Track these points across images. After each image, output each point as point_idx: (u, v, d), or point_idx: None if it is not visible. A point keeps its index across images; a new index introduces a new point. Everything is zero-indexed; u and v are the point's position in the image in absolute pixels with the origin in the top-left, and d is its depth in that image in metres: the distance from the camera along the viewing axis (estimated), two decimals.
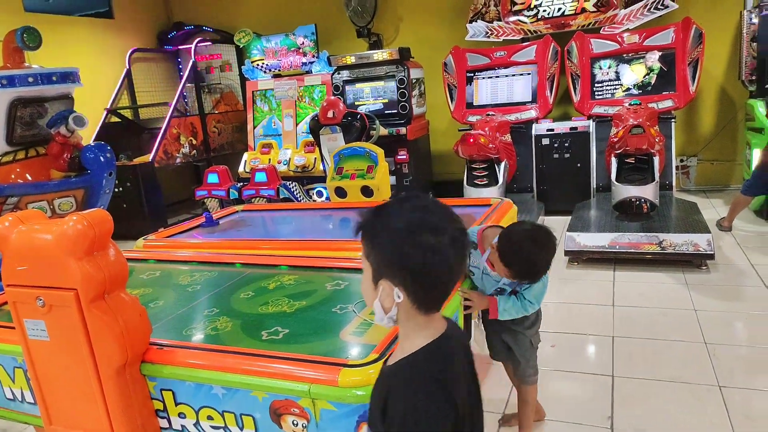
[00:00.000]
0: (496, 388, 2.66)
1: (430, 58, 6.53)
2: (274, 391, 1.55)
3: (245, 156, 7.07)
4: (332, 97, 5.61)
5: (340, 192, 3.55)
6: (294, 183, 6.16)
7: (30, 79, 4.01)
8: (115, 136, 6.85)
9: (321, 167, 6.47)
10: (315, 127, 5.44)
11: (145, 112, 7.75)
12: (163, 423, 1.77)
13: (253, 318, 2.04)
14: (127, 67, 7.49)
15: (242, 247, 2.79)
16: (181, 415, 1.73)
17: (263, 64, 7.15)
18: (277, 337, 1.85)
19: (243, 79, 7.98)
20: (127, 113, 7.45)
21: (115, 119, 7.25)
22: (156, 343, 1.78)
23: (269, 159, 6.85)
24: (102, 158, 4.08)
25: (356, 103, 6.39)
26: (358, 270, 2.34)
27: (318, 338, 1.83)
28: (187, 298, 2.30)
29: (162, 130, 6.67)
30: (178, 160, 7.03)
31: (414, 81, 6.21)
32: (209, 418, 1.68)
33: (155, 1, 8.12)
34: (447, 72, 6.29)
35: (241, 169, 6.94)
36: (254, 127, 7.23)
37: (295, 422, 1.55)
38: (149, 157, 6.54)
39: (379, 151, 3.51)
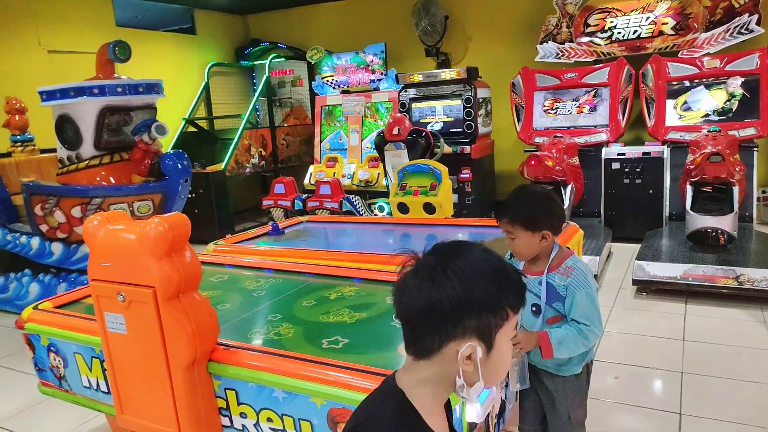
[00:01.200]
0: None
1: (498, 78, 6.51)
2: (333, 399, 1.58)
3: (311, 168, 7.25)
4: (398, 114, 5.68)
5: (403, 207, 3.58)
6: (357, 197, 6.25)
7: (119, 89, 4.30)
8: (192, 145, 7.22)
9: (384, 182, 6.54)
10: (380, 143, 5.52)
11: (219, 123, 8.12)
12: (225, 421, 1.84)
13: (314, 326, 2.09)
14: (206, 80, 7.88)
15: (306, 256, 2.86)
16: (243, 415, 1.78)
17: (333, 80, 7.34)
18: (337, 347, 1.88)
19: (312, 94, 8.22)
20: (204, 123, 7.82)
21: (192, 129, 7.63)
22: (223, 343, 1.85)
23: (334, 172, 6.99)
24: (179, 165, 4.30)
25: (422, 120, 6.43)
26: None
27: (377, 350, 1.85)
28: (252, 303, 2.38)
29: (234, 141, 6.95)
30: (248, 170, 7.30)
31: (481, 100, 6.20)
32: (269, 420, 1.72)
33: (234, 19, 8.53)
34: (515, 92, 6.24)
35: (306, 180, 7.12)
36: (321, 141, 7.41)
37: None
38: (221, 166, 6.83)
39: (443, 169, 3.53)
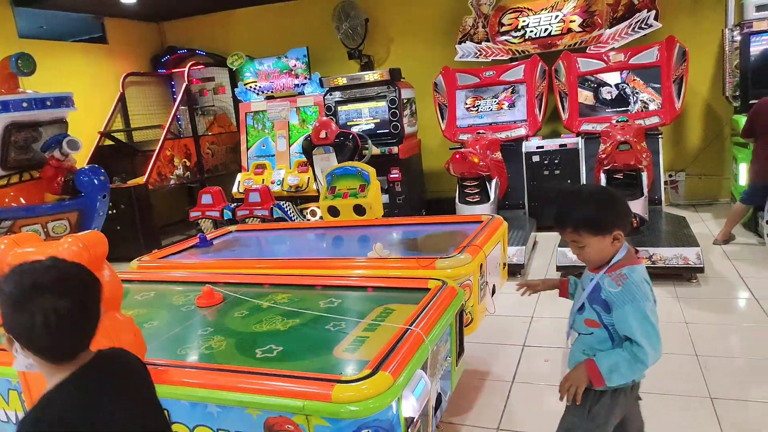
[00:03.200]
0: (490, 398, 2.67)
1: (421, 78, 6.64)
2: (269, 408, 1.56)
3: (239, 177, 7.11)
4: (324, 118, 5.68)
5: (333, 211, 3.59)
6: (287, 203, 6.20)
7: (24, 104, 4.06)
8: (109, 159, 6.89)
9: (314, 187, 6.52)
10: (308, 148, 5.50)
11: (138, 134, 7.80)
12: None
13: (247, 336, 2.06)
14: (121, 90, 7.55)
15: (235, 266, 2.81)
16: None
17: (256, 86, 7.23)
18: (271, 355, 1.87)
19: (236, 101, 8.06)
20: (121, 136, 7.50)
21: (108, 142, 7.29)
22: (151, 363, 1.79)
23: (263, 179, 6.88)
24: (96, 181, 4.11)
25: (348, 123, 6.46)
26: (351, 287, 2.37)
27: (312, 355, 1.85)
28: (181, 318, 2.31)
29: (155, 152, 6.70)
30: (172, 182, 7.06)
31: (405, 101, 6.30)
32: None
33: (148, 26, 8.23)
34: (437, 92, 6.38)
35: (234, 189, 6.97)
36: (248, 148, 7.28)
37: None
38: (143, 179, 6.56)
39: (371, 170, 3.56)
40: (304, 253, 3.09)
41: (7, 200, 4.12)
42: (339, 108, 6.50)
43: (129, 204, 6.36)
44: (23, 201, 4.16)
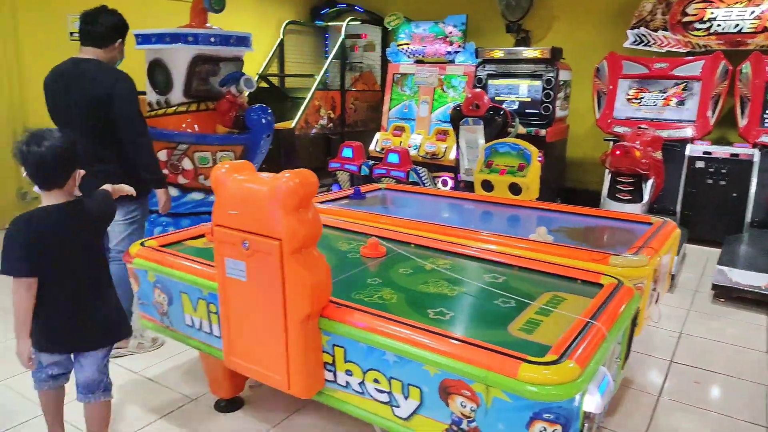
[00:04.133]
0: (634, 407, 2.55)
1: (580, 62, 6.29)
2: (449, 370, 1.59)
3: (377, 135, 7.24)
4: (477, 90, 5.57)
5: (487, 185, 3.54)
6: (423, 168, 6.23)
7: (212, 39, 4.35)
8: (262, 101, 7.27)
9: (450, 156, 6.50)
10: (456, 117, 5.45)
11: (289, 81, 8.16)
12: (329, 376, 1.89)
13: (416, 295, 2.11)
14: (281, 37, 7.90)
15: (396, 224, 2.87)
16: (348, 372, 1.83)
17: (408, 48, 7.24)
18: (444, 318, 1.90)
19: (384, 61, 8.15)
20: (275, 80, 7.88)
21: (263, 84, 7.70)
22: (334, 301, 1.89)
23: (400, 141, 6.97)
24: (264, 120, 4.36)
25: (497, 98, 6.30)
26: (513, 266, 2.33)
27: (485, 327, 1.86)
28: (348, 265, 2.41)
29: (307, 100, 6.98)
30: (314, 131, 7.34)
31: (561, 83, 6.02)
32: (375, 381, 1.76)
33: None
34: (598, 78, 6.03)
35: (372, 147, 7.12)
36: (389, 109, 7.37)
37: (463, 404, 1.59)
38: (291, 123, 6.88)
39: (534, 150, 3.46)
40: (461, 222, 3.09)
41: (184, 125, 4.49)
42: (490, 81, 6.36)
43: (276, 145, 6.69)
44: (197, 128, 4.52)
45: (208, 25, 4.61)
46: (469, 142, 5.42)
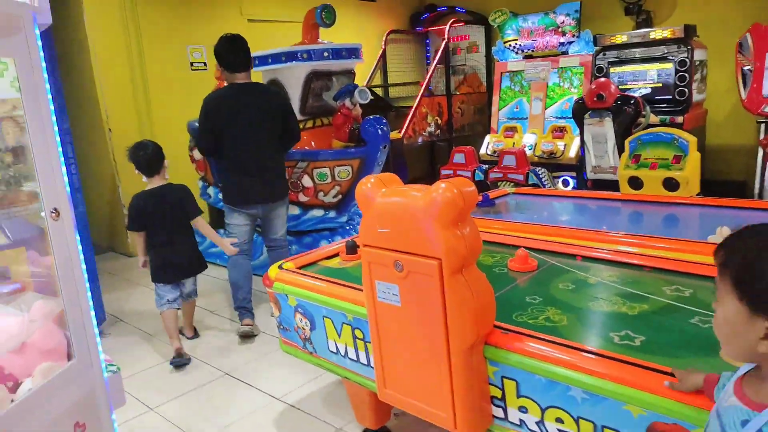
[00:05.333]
0: None
1: (714, 39, 5.61)
2: (661, 411, 1.31)
3: (487, 138, 6.94)
4: (602, 79, 5.12)
5: (635, 183, 3.16)
6: (543, 169, 5.85)
7: (325, 54, 4.34)
8: (365, 113, 7.27)
9: (570, 154, 6.05)
10: (579, 111, 5.04)
11: (393, 90, 8.10)
12: (498, 412, 1.66)
13: (588, 314, 1.83)
14: (383, 47, 7.86)
15: (539, 232, 2.60)
16: (522, 409, 1.59)
17: (516, 44, 6.89)
18: (633, 343, 1.61)
19: (488, 61, 7.86)
20: (378, 91, 7.84)
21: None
22: (499, 326, 1.67)
23: (513, 143, 6.61)
24: (379, 131, 4.26)
25: (621, 87, 5.77)
26: (701, 276, 1.97)
27: (690, 353, 1.54)
28: (497, 281, 2.17)
29: (413, 108, 6.85)
30: (421, 139, 7.19)
31: (697, 63, 5.39)
32: (558, 420, 1.51)
33: None
34: (741, 53, 5.31)
35: (483, 151, 6.83)
36: (499, 110, 7.05)
37: None
38: (398, 133, 6.78)
39: (691, 139, 3.03)
40: (618, 227, 2.75)
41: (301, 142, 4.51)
42: (612, 69, 5.85)
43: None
44: (313, 145, 4.51)
45: (320, 40, 4.61)
46: (596, 136, 4.98)
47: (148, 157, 3.18)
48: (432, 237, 1.54)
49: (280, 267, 2.40)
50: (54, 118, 1.35)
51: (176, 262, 3.28)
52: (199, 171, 4.98)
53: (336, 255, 2.61)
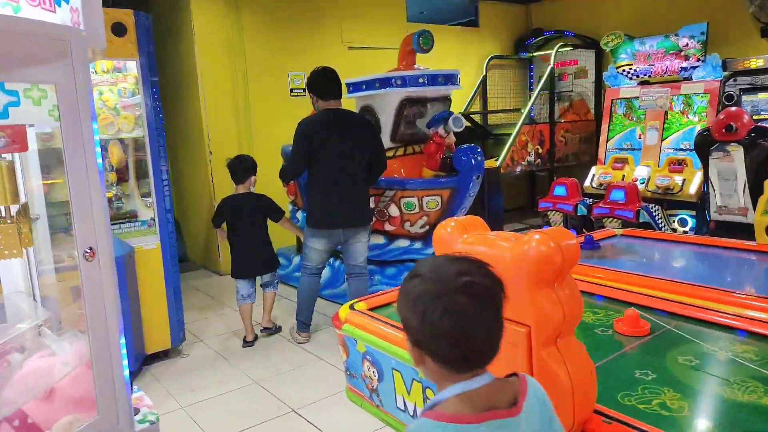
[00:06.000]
0: None
1: None
2: None
3: (593, 170, 6.42)
4: (732, 108, 4.52)
5: None
6: (656, 206, 5.27)
7: (420, 80, 4.18)
8: (463, 140, 7.03)
9: (690, 191, 5.41)
10: (703, 143, 4.49)
11: (491, 118, 7.80)
12: None
13: (717, 403, 1.45)
14: (484, 73, 7.62)
15: (660, 287, 2.20)
16: None
17: (630, 69, 6.36)
18: None
19: (598, 87, 7.34)
20: (477, 118, 7.58)
21: (466, 124, 7.43)
22: (600, 411, 1.35)
23: (623, 175, 6.06)
24: (473, 161, 4.01)
25: (754, 117, 5.09)
26: None
27: None
28: (601, 347, 1.83)
29: (513, 136, 6.51)
30: (519, 169, 6.80)
31: None
32: None
33: (517, 9, 8.09)
34: None
35: (587, 183, 6.32)
36: (608, 139, 6.52)
37: None
38: (495, 162, 6.46)
39: None
40: (753, 285, 2.29)
41: (390, 170, 4.35)
42: (744, 97, 5.19)
43: (481, 185, 6.33)
44: (403, 173, 4.34)
45: (416, 66, 4.47)
46: (723, 173, 4.39)
47: (243, 167, 3.78)
48: (520, 299, 1.27)
49: (351, 307, 2.22)
50: (98, 149, 1.25)
51: (250, 260, 3.78)
52: (290, 195, 4.98)
53: None
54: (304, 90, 6.06)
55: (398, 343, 1.90)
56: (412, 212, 4.20)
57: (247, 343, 3.80)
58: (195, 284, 5.51)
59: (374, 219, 4.02)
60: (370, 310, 2.23)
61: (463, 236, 1.44)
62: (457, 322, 0.90)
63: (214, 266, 5.89)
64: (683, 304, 2.02)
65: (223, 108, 5.65)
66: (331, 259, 4.66)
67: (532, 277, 1.25)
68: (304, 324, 3.80)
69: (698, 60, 5.74)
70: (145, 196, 3.63)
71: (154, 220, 3.53)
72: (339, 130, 3.50)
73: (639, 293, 2.17)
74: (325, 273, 4.57)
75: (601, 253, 2.95)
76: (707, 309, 1.97)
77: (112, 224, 3.49)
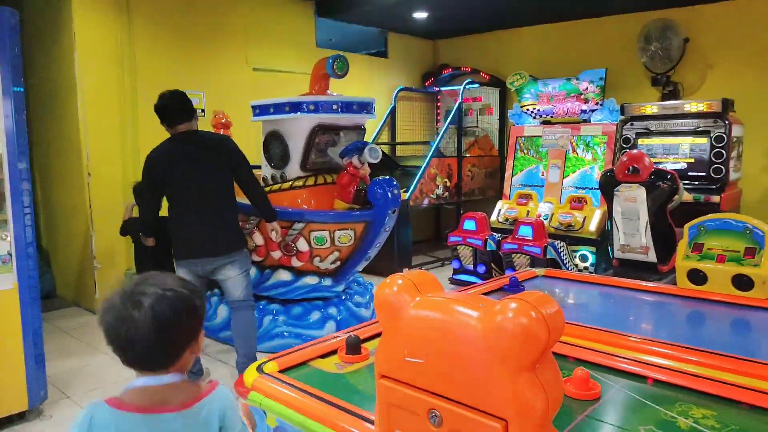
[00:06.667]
0: None
1: (747, 115, 5.27)
2: None
3: (499, 204, 6.48)
4: (634, 151, 4.70)
5: (697, 276, 2.64)
6: (561, 242, 5.36)
7: (334, 107, 3.92)
8: (371, 172, 6.86)
9: (590, 227, 5.57)
10: (607, 184, 4.61)
11: (400, 149, 7.72)
12: None
13: None
14: (393, 104, 7.53)
15: (601, 340, 2.04)
16: None
17: (534, 109, 6.55)
18: None
19: (502, 124, 7.53)
20: (385, 149, 7.45)
21: None
22: None
23: (527, 211, 6.15)
24: (389, 194, 3.78)
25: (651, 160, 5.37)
26: None
27: None
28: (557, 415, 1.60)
29: (422, 169, 6.42)
30: (426, 202, 6.71)
31: (734, 140, 5.00)
32: None
33: (425, 44, 8.17)
34: None
35: (493, 217, 6.35)
36: (513, 175, 6.63)
37: None
38: (404, 194, 6.31)
39: None
40: (694, 338, 2.21)
41: (299, 201, 4.02)
42: (640, 141, 5.46)
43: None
44: (313, 204, 4.02)
45: (329, 92, 4.20)
46: (627, 212, 4.51)
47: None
48: (495, 385, 1.00)
49: (259, 369, 1.84)
50: None
51: None
52: None
53: (333, 352, 2.04)
54: (202, 110, 5.57)
55: (319, 417, 1.56)
56: (322, 247, 3.87)
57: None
58: (64, 325, 4.73)
59: (247, 247, 3.53)
60: (283, 371, 1.87)
61: (414, 299, 1.15)
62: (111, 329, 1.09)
63: (88, 303, 5.12)
64: (628, 359, 1.87)
65: (107, 126, 5.00)
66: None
67: (512, 359, 0.98)
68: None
69: (596, 104, 6.01)
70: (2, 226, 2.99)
71: (11, 255, 2.90)
72: (184, 155, 3.17)
73: (579, 346, 1.99)
74: (224, 313, 4.10)
75: None
76: (655, 365, 1.82)
77: None
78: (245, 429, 1.27)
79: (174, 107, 3.17)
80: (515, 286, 2.84)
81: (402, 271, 1.26)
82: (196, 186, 3.18)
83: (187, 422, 1.10)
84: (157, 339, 1.06)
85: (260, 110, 4.07)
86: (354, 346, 1.97)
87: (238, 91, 5.71)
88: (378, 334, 2.01)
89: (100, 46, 4.91)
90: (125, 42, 5.05)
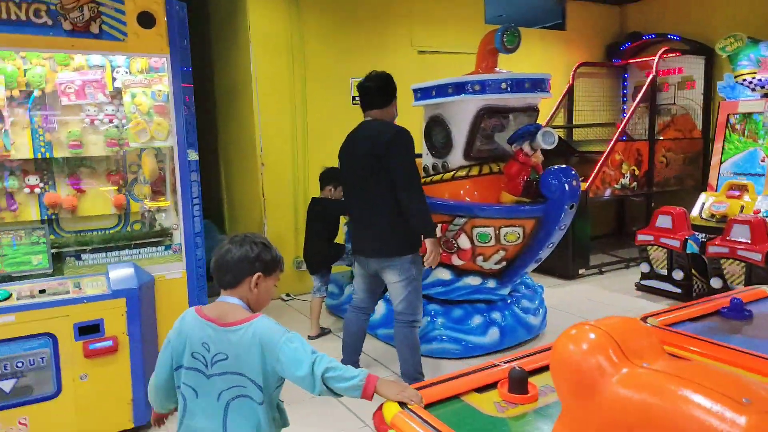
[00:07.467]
0: None
1: None
2: None
3: (702, 197, 5.44)
4: None
5: None
6: None
7: (503, 86, 3.46)
8: (545, 159, 6.21)
9: None
10: None
11: (577, 132, 6.92)
12: None
13: None
14: (570, 82, 6.76)
15: None
16: None
17: (753, 78, 5.34)
18: None
19: (707, 100, 6.32)
20: (561, 132, 6.72)
21: None
22: None
23: (741, 206, 5.06)
24: (566, 186, 3.24)
25: None
26: None
27: None
28: None
29: (604, 155, 5.62)
30: (608, 193, 5.87)
31: None
32: None
33: (610, 10, 7.18)
34: None
35: (695, 213, 5.34)
36: (721, 161, 5.52)
37: None
38: (584, 185, 5.59)
39: None
40: None
41: (462, 192, 3.65)
42: None
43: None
44: (477, 196, 3.62)
45: (497, 69, 3.76)
46: None
47: (328, 175, 4.09)
48: None
49: (401, 404, 1.53)
50: None
51: (308, 258, 4.16)
52: None
53: (492, 385, 1.66)
54: None
55: None
56: (486, 245, 3.47)
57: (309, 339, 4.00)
58: None
59: (416, 253, 2.97)
60: (429, 406, 1.54)
61: (618, 369, 0.72)
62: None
63: None
64: None
65: (279, 116, 5.13)
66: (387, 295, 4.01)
67: None
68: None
69: None
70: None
71: (180, 245, 3.00)
72: (348, 148, 3.07)
73: None
74: (381, 309, 3.93)
75: (757, 325, 2.11)
76: None
77: (130, 248, 3.02)
78: (294, 347, 1.55)
79: (365, 92, 3.00)
80: (739, 312, 2.16)
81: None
82: (352, 181, 3.04)
83: (237, 335, 1.55)
84: (229, 266, 1.61)
85: (422, 94, 3.78)
86: (520, 382, 1.57)
87: (404, 76, 5.40)
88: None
89: (272, 37, 5.03)
90: (295, 32, 5.12)
